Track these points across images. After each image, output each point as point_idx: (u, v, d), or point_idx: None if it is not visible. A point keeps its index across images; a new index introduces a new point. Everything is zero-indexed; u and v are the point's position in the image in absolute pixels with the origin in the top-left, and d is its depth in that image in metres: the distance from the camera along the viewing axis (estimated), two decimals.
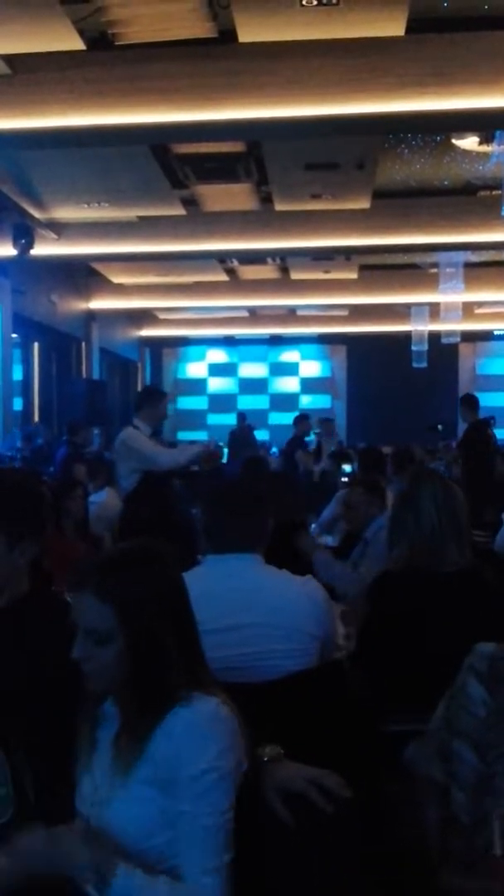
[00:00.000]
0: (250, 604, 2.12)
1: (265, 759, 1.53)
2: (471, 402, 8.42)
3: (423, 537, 2.48)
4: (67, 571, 3.33)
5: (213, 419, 17.37)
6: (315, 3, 5.02)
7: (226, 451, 10.47)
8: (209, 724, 1.41)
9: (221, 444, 11.23)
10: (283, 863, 1.46)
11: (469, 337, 15.50)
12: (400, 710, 2.16)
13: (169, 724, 1.41)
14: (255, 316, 16.24)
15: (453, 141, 7.67)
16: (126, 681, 1.45)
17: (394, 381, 15.34)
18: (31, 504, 1.85)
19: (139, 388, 17.12)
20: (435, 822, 1.86)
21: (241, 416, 13.61)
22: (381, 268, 12.75)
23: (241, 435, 12.02)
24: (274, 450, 12.92)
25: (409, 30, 5.37)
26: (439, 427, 10.67)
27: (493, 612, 2.42)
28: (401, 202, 9.39)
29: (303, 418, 10.39)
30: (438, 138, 7.71)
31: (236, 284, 13.45)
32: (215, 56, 5.67)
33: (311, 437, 10.55)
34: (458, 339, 14.10)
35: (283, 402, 17.47)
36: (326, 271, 12.62)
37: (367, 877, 1.52)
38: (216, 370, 17.99)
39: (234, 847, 1.47)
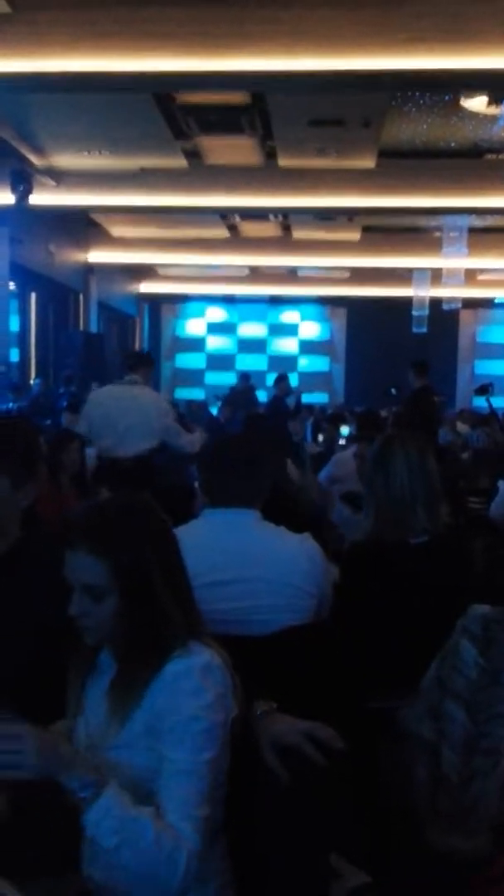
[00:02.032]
0: (247, 558, 2.11)
1: (258, 712, 1.53)
2: (418, 367, 8.08)
3: (392, 502, 2.40)
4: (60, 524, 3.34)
5: (211, 378, 17.29)
6: None
7: (215, 409, 10.45)
8: (202, 674, 1.42)
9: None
10: (277, 815, 1.46)
11: (470, 304, 15.41)
12: (375, 686, 2.14)
13: (166, 674, 1.42)
14: (255, 275, 16.08)
15: (462, 101, 7.53)
16: (122, 632, 1.45)
17: (393, 346, 15.25)
18: (31, 448, 1.86)
19: (137, 343, 17.01)
20: (424, 780, 1.88)
21: (245, 376, 13.54)
22: (383, 230, 12.59)
23: (244, 394, 11.99)
24: None
25: None
26: (393, 391, 10.41)
27: (464, 581, 2.38)
28: (406, 163, 9.24)
29: (282, 378, 10.34)
30: (447, 98, 7.56)
31: (237, 241, 13.29)
32: (222, 3, 5.51)
33: (291, 398, 10.52)
34: (460, 306, 14.01)
35: (282, 362, 17.39)
36: (329, 231, 12.46)
37: (358, 831, 1.53)
38: (215, 328, 17.86)
39: (226, 807, 1.47)
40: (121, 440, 4.99)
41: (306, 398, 12.29)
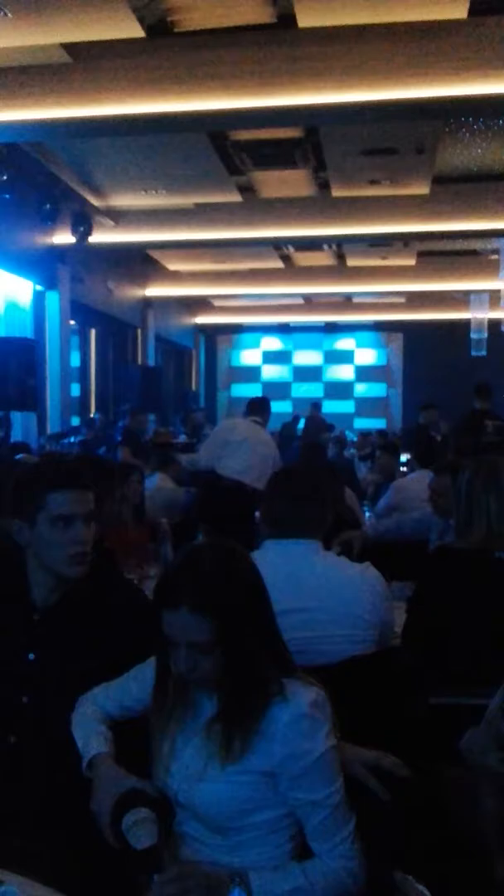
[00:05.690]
0: (309, 588, 2.12)
1: None
2: (479, 390, 7.72)
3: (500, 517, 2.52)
4: (126, 554, 3.41)
5: None
6: None
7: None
8: (315, 711, 1.46)
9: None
10: None
11: None
12: (446, 683, 2.19)
13: (275, 717, 1.45)
14: (310, 303, 16.16)
15: None
16: (228, 678, 1.48)
17: (451, 370, 15.11)
18: (98, 484, 1.94)
19: (194, 375, 17.23)
20: (492, 812, 1.85)
21: (316, 405, 13.48)
22: (439, 254, 12.56)
23: (315, 423, 11.96)
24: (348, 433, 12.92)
25: (471, 12, 5.26)
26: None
27: None
28: (461, 187, 9.23)
29: (429, 406, 9.27)
30: (501, 122, 7.55)
31: (292, 271, 13.41)
32: (274, 42, 5.64)
33: (436, 430, 9.64)
34: None
35: (338, 390, 17.38)
36: (384, 258, 12.48)
37: (423, 863, 1.53)
38: (270, 358, 17.97)
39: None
40: (249, 468, 5.65)
41: (362, 423, 12.17)
